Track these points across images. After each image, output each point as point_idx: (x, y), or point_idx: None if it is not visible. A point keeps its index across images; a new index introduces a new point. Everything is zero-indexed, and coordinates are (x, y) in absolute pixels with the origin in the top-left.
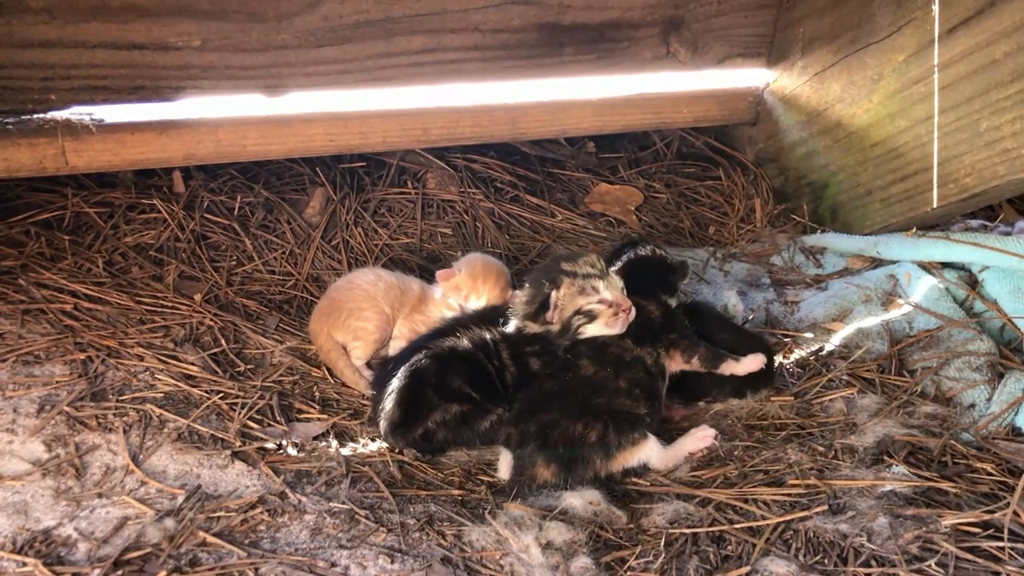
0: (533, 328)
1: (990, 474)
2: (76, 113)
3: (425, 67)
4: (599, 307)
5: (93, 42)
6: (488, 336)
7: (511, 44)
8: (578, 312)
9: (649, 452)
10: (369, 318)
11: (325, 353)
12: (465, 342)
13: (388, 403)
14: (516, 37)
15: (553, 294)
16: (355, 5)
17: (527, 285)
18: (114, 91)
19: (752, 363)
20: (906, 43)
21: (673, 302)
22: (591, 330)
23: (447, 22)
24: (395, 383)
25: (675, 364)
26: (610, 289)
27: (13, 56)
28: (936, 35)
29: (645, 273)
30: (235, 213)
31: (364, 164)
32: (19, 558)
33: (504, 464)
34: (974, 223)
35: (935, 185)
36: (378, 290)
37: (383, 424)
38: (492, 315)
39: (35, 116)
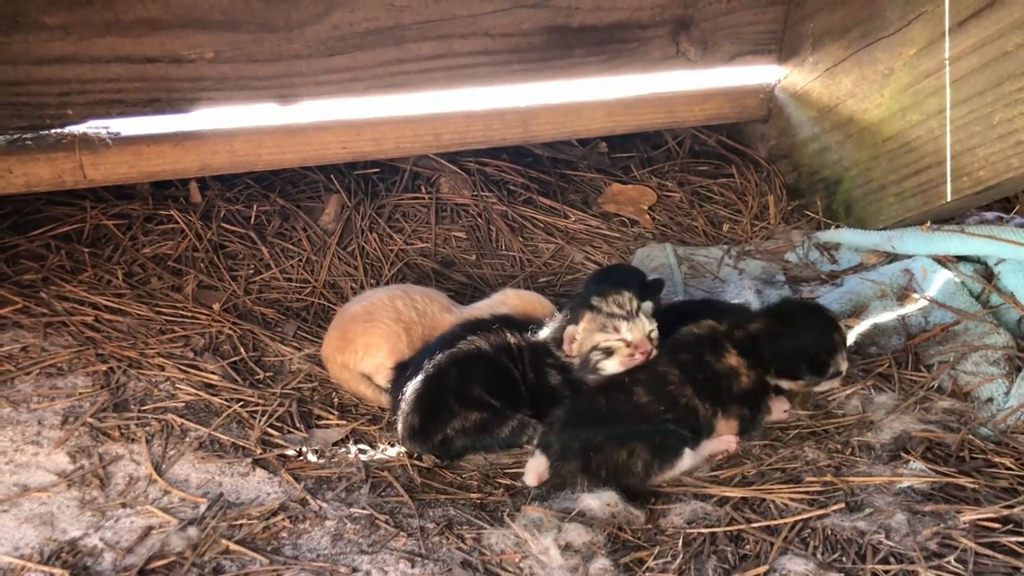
0: (559, 354)
1: (1009, 468)
2: (93, 127)
3: (436, 73)
4: (617, 344)
5: (108, 57)
6: (512, 340)
7: (521, 48)
8: (595, 348)
9: (683, 464)
10: (387, 355)
11: (344, 382)
12: (487, 345)
13: (407, 409)
14: (526, 40)
15: (569, 328)
16: (365, 13)
17: (564, 311)
18: (130, 104)
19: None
20: (916, 37)
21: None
22: (609, 367)
23: (456, 27)
24: (413, 389)
25: (722, 428)
26: (633, 331)
27: (30, 72)
28: (947, 28)
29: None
30: (251, 222)
31: (378, 170)
32: (47, 569)
33: (533, 469)
34: (990, 215)
35: (949, 179)
36: (398, 327)
37: (401, 430)
38: (518, 322)
39: (53, 131)
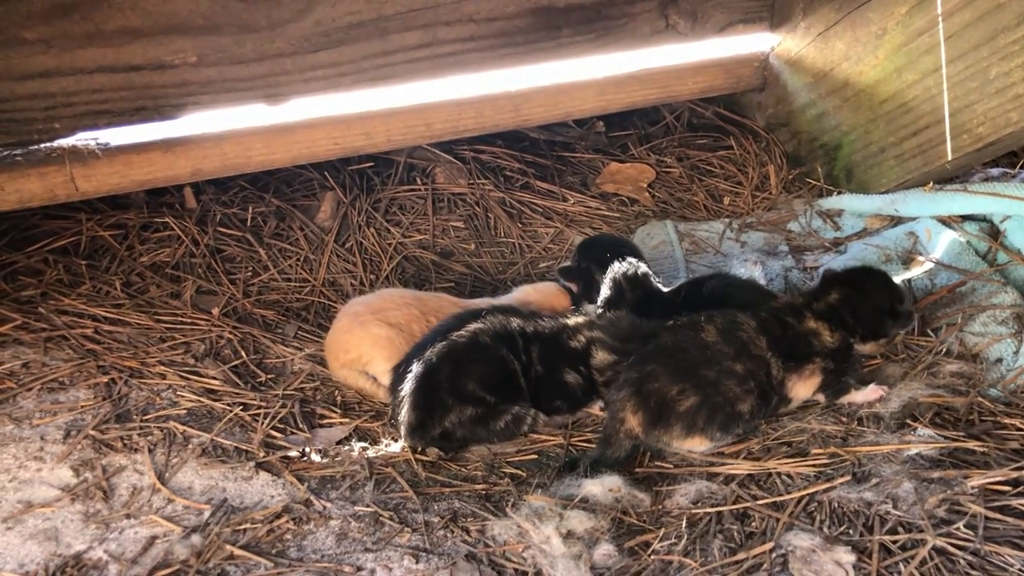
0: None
1: (1019, 429)
2: (81, 139)
3: (422, 62)
4: None
5: (91, 67)
6: (516, 331)
7: (507, 31)
8: None
9: (714, 447)
10: (386, 360)
11: (343, 379)
12: (484, 336)
13: (404, 407)
14: (511, 24)
15: None
16: (347, 7)
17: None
18: (116, 114)
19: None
20: None
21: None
22: None
23: (440, 15)
24: (408, 386)
25: (803, 388)
26: None
27: (14, 89)
28: None
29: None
30: (248, 224)
31: (372, 164)
32: None
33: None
34: (995, 172)
35: (948, 137)
36: (396, 334)
37: (402, 426)
38: (525, 312)
39: (42, 146)
